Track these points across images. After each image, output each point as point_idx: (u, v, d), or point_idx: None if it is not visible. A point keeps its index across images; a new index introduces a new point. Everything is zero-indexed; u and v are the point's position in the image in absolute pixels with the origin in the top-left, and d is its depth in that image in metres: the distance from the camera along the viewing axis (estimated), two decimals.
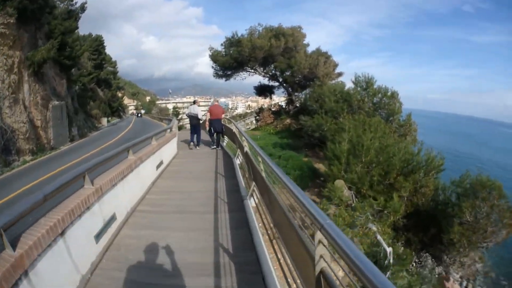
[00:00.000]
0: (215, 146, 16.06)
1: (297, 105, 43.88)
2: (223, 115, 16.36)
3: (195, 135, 16.56)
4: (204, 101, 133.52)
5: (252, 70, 45.44)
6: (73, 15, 34.21)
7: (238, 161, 12.21)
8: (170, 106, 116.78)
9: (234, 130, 14.68)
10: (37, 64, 25.40)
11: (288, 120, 40.97)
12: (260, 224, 6.50)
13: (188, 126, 22.34)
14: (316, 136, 27.34)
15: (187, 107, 17.29)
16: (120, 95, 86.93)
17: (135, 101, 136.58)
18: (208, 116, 15.62)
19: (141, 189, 8.41)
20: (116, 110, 76.34)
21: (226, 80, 47.50)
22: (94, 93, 59.98)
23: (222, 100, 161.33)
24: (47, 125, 27.21)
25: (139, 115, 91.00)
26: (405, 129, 26.07)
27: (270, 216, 5.78)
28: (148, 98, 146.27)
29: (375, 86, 27.57)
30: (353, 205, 16.51)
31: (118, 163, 7.40)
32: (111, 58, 79.36)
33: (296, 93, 44.93)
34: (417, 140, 25.66)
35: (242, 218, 6.54)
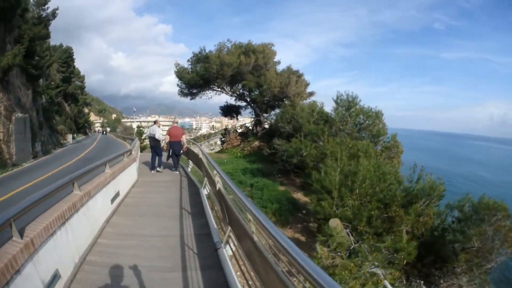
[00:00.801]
0: (175, 170, 15.60)
1: (266, 126, 41.25)
2: (183, 137, 15.46)
3: (157, 157, 15.59)
4: (168, 121, 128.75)
5: (219, 89, 41.39)
6: (44, 20, 31.89)
7: (205, 191, 10.82)
8: (134, 125, 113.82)
9: (201, 156, 12.64)
10: (2, 71, 23.13)
11: (257, 143, 37.91)
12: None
13: None
14: (293, 162, 23.82)
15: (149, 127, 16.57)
16: (86, 111, 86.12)
17: (101, 118, 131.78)
18: (168, 139, 15.08)
19: (92, 231, 6.70)
20: (82, 126, 75.29)
21: (191, 99, 44.21)
22: (61, 108, 57.80)
23: (187, 120, 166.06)
24: (9, 138, 24.65)
25: (104, 132, 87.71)
26: (392, 151, 23.11)
27: (257, 276, 4.20)
28: (114, 116, 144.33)
29: (357, 106, 24.20)
30: (352, 247, 13.81)
31: (59, 201, 5.60)
32: (79, 72, 78.14)
33: (264, 114, 41.56)
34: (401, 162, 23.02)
35: (219, 279, 5.04)
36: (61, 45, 62.18)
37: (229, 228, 5.98)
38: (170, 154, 15.66)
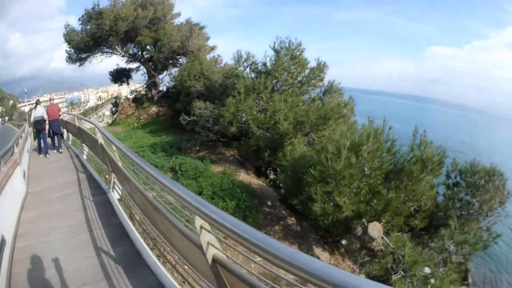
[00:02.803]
0: (58, 150, 13.53)
1: (162, 89, 34.67)
2: (60, 113, 14.26)
3: (43, 141, 13.09)
4: (59, 98, 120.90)
5: (110, 50, 33.57)
6: None
7: (84, 156, 11.39)
8: (28, 109, 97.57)
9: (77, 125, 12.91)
10: None
11: (154, 108, 30.72)
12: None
13: None
14: (230, 131, 16.31)
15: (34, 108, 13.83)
16: None
17: (0, 108, 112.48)
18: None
19: None
20: None
21: (80, 65, 34.78)
22: None
23: (75, 94, 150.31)
24: None
25: (2, 122, 73.77)
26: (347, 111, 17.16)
27: (138, 207, 5.16)
28: (11, 102, 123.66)
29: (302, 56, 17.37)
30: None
31: None
32: None
33: (160, 75, 34.65)
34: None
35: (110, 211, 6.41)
36: None
37: (113, 175, 6.86)
38: (50, 134, 13.82)
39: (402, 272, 8.15)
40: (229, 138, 17.60)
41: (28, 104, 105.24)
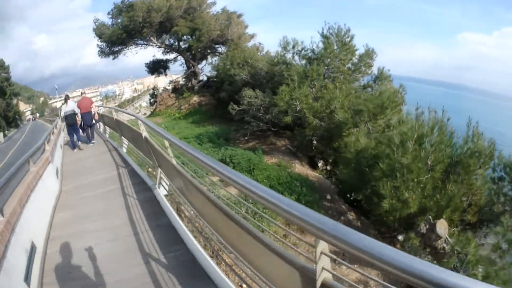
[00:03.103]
0: (93, 141, 13.72)
1: (202, 78, 33.98)
2: (93, 106, 13.90)
3: (75, 135, 13.04)
4: (93, 92, 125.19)
5: (145, 42, 33.44)
6: None
7: (124, 149, 10.70)
8: (60, 104, 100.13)
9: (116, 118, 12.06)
10: None
11: (195, 98, 30.35)
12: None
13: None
14: (284, 121, 15.79)
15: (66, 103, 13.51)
16: (15, 102, 74.08)
17: (31, 105, 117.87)
18: (79, 111, 13.37)
19: None
20: (12, 120, 66.07)
21: (114, 58, 35.29)
22: None
23: (110, 87, 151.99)
24: None
25: (34, 119, 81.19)
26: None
27: (196, 210, 4.32)
28: (41, 99, 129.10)
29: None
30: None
31: None
32: (4, 63, 66.27)
33: (199, 65, 34.00)
34: None
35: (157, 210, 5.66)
36: None
37: (159, 169, 6.19)
38: (83, 126, 13.95)
39: (462, 273, 7.67)
40: (279, 127, 17.26)
41: (60, 100, 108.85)
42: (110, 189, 7.19)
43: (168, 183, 5.81)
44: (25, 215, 4.80)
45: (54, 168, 8.33)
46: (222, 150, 14.98)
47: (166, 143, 5.02)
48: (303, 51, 17.29)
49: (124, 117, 14.17)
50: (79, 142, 13.10)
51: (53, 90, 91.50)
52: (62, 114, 13.79)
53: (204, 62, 34.40)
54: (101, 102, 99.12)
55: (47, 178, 7.26)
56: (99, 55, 34.50)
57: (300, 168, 14.41)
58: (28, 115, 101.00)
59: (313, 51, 16.62)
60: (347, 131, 12.97)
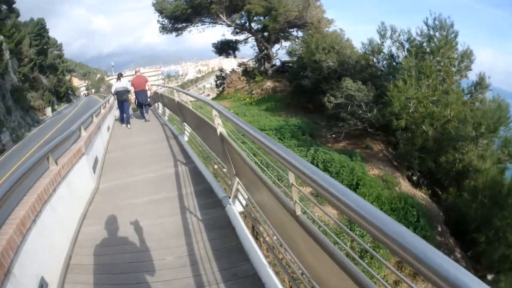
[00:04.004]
0: (145, 119, 13.89)
1: (276, 63, 31.57)
2: (147, 84, 14.06)
3: (125, 113, 13.23)
4: (154, 71, 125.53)
5: (213, 20, 31.27)
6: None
7: (185, 138, 9.04)
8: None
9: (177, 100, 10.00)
10: None
11: (269, 83, 27.87)
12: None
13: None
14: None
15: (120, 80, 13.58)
16: (68, 78, 77.45)
17: (86, 81, 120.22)
18: (133, 89, 13.64)
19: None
20: (64, 95, 67.18)
21: (177, 36, 33.70)
22: (37, 82, 50.57)
23: (172, 67, 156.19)
24: None
25: (86, 94, 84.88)
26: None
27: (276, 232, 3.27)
28: (98, 76, 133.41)
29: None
30: None
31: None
32: (56, 41, 69.47)
33: (273, 48, 31.55)
34: None
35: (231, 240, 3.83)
36: (31, 20, 56.03)
37: (237, 179, 4.56)
38: (137, 104, 14.41)
39: None
40: (375, 128, 15.40)
41: (115, 77, 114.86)
42: (162, 198, 5.37)
43: (246, 197, 4.35)
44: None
45: (88, 161, 6.56)
46: (311, 151, 13.23)
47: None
48: (410, 41, 15.21)
49: (189, 99, 11.83)
50: (129, 120, 13.08)
51: (110, 67, 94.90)
52: (113, 90, 13.56)
53: (276, 46, 32.07)
54: (163, 81, 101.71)
55: (77, 176, 5.59)
56: (160, 32, 32.88)
57: (405, 185, 12.59)
58: (82, 90, 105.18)
59: (422, 43, 14.59)
60: (465, 148, 11.41)
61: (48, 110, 47.13)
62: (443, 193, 13.35)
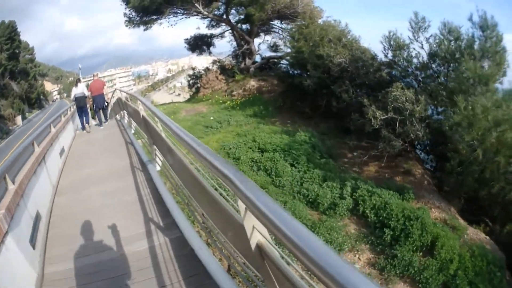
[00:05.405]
0: (104, 122, 14.31)
1: (257, 60, 28.66)
2: (104, 88, 14.12)
3: (84, 118, 13.54)
4: (125, 72, 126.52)
5: (185, 11, 27.49)
6: None
7: (132, 130, 10.57)
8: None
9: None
10: None
11: (253, 82, 24.33)
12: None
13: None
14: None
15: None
16: (40, 83, 77.74)
17: (59, 85, 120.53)
18: (90, 94, 13.77)
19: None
20: (35, 101, 67.73)
21: (145, 30, 29.80)
22: (7, 89, 51.98)
23: (143, 67, 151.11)
24: None
25: (54, 100, 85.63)
26: None
27: (180, 180, 4.56)
28: (70, 79, 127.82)
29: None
30: None
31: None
32: (28, 45, 68.63)
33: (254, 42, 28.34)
34: None
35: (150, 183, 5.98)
36: (2, 22, 54.61)
37: (154, 147, 6.40)
38: (95, 109, 14.38)
39: None
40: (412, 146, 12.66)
41: (89, 80, 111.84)
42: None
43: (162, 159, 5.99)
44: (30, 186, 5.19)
45: (59, 148, 8.80)
46: (348, 189, 9.57)
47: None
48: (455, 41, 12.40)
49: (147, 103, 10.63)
50: (87, 124, 13.24)
51: (84, 69, 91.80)
52: (72, 96, 13.72)
53: (256, 40, 29.11)
54: (133, 82, 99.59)
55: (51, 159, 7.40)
56: (126, 25, 28.86)
57: (463, 225, 9.78)
58: (55, 95, 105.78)
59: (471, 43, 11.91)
60: None
61: (19, 119, 47.00)
62: (494, 225, 10.80)
